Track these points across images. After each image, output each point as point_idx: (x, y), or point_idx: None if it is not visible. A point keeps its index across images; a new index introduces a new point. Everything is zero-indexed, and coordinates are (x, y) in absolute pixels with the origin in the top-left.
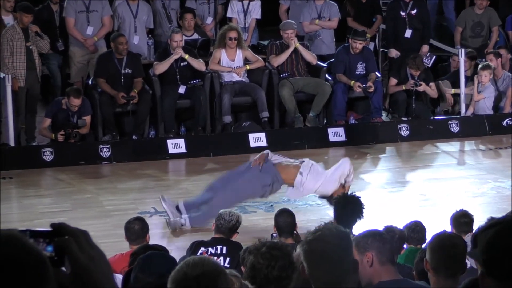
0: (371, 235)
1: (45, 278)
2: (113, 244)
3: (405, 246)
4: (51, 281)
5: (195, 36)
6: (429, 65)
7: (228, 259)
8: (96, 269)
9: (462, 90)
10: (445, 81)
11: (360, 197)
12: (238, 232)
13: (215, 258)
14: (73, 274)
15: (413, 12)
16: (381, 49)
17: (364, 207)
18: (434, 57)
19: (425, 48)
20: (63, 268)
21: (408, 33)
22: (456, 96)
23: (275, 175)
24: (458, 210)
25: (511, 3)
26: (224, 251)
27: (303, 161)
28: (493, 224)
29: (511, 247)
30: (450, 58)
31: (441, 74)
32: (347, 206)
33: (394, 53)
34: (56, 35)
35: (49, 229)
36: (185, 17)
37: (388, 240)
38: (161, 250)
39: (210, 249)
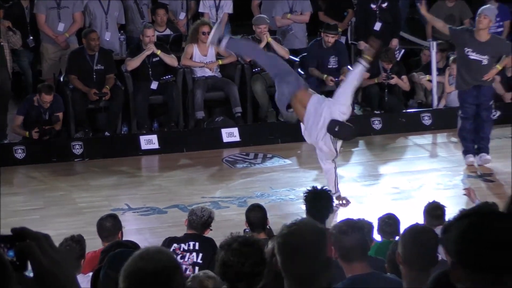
0: (335, 229)
1: (6, 281)
2: (86, 242)
3: (379, 238)
4: (13, 285)
5: (168, 31)
6: (398, 59)
7: (200, 254)
8: (59, 272)
9: (434, 83)
10: (419, 72)
11: (330, 190)
12: (211, 229)
13: (188, 254)
14: (36, 278)
15: (384, 5)
16: (350, 42)
17: (334, 200)
18: (403, 50)
19: (395, 41)
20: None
21: (377, 26)
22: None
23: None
24: (430, 202)
25: None
26: (197, 247)
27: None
28: (466, 214)
29: (484, 239)
30: (421, 52)
31: (413, 67)
32: (317, 200)
33: (363, 45)
34: (27, 31)
35: (10, 233)
36: (158, 12)
37: (352, 234)
38: (133, 247)
39: (182, 245)
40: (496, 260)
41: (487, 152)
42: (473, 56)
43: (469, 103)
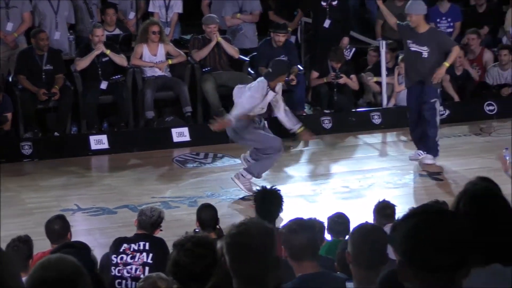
0: (285, 229)
1: None
2: (35, 243)
3: (329, 238)
4: None
5: (117, 31)
6: (349, 58)
7: (151, 255)
8: (3, 272)
9: (384, 82)
10: (368, 72)
11: (279, 190)
12: (161, 230)
13: (138, 254)
14: None
15: (334, 3)
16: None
17: (284, 200)
18: (353, 49)
19: (345, 40)
20: None
21: (326, 23)
22: (379, 84)
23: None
24: (380, 201)
25: None
26: (147, 247)
27: None
28: (412, 214)
29: (429, 238)
30: (367, 53)
31: (362, 67)
32: (267, 200)
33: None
34: None
35: None
36: (107, 12)
37: (302, 233)
38: (82, 248)
39: (132, 245)
40: (442, 260)
41: (434, 155)
42: (414, 47)
43: (413, 102)
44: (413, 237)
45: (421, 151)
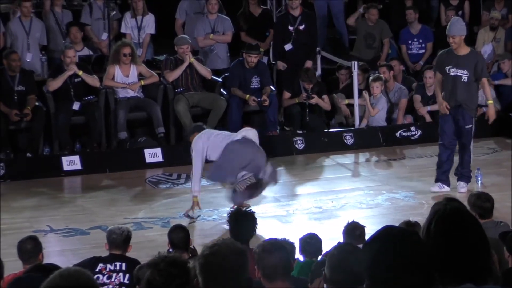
0: (259, 248)
1: None
2: (7, 264)
3: (301, 258)
4: None
5: (86, 50)
6: (318, 73)
7: (127, 275)
8: None
9: (356, 102)
10: (339, 93)
11: (254, 212)
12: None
13: (115, 274)
14: None
15: (301, 27)
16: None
17: (258, 222)
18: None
19: (308, 63)
20: None
21: (287, 46)
22: (351, 106)
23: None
24: (349, 222)
25: (402, 16)
26: (123, 268)
27: None
28: (375, 239)
29: (392, 262)
30: (337, 72)
31: (333, 86)
32: (241, 221)
33: (281, 65)
34: None
35: None
36: (71, 30)
37: (275, 253)
38: (53, 269)
39: (108, 265)
40: (407, 282)
41: (467, 182)
42: (454, 72)
43: (449, 128)
44: (377, 262)
45: (442, 184)
